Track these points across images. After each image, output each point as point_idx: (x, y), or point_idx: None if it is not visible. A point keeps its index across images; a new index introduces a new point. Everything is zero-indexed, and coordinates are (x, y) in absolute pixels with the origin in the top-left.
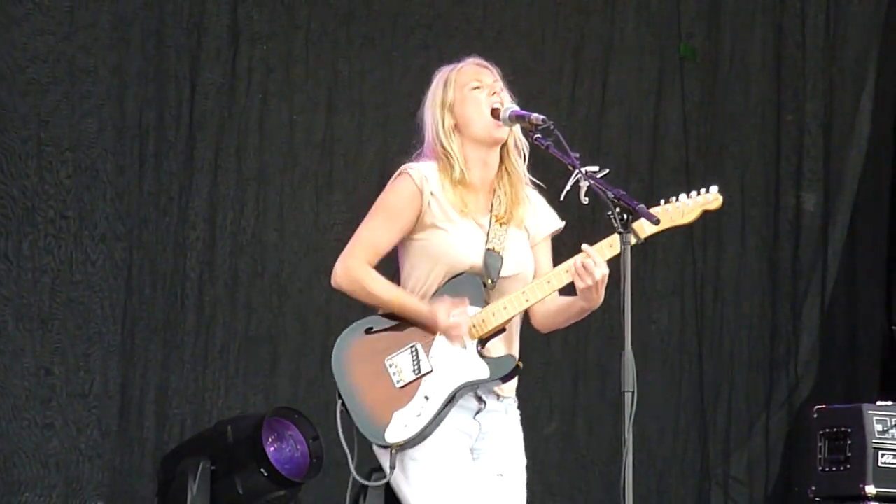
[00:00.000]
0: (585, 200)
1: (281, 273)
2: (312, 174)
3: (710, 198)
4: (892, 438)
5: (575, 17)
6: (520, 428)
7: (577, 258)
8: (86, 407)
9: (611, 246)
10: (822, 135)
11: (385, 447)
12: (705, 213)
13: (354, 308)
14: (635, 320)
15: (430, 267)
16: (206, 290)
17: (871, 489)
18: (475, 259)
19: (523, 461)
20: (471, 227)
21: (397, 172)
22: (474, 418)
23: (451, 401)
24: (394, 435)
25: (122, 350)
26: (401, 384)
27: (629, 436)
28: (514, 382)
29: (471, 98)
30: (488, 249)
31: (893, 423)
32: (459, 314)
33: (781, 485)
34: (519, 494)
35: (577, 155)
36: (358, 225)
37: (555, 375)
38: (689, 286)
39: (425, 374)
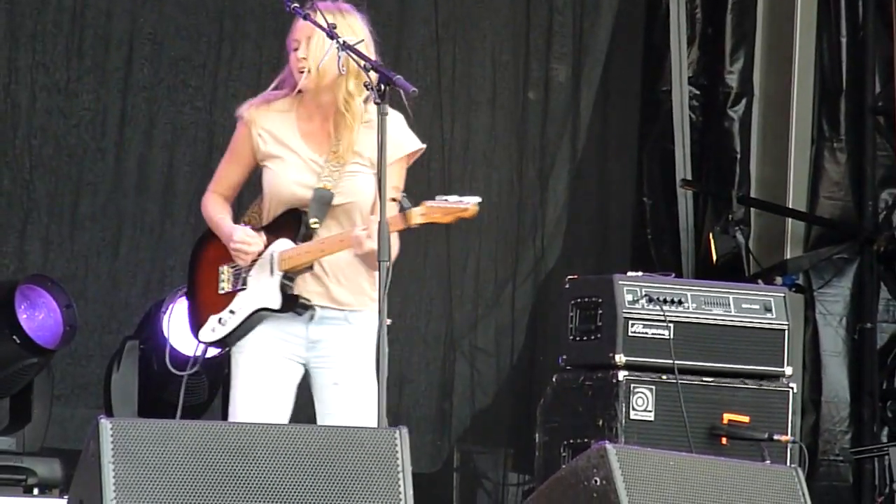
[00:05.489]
0: (343, 71)
1: (32, 139)
2: (63, 43)
3: (469, 204)
4: (643, 308)
5: None
6: (364, 337)
7: (357, 230)
8: None
9: (420, 215)
10: (571, 8)
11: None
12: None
13: (104, 175)
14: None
15: (268, 199)
16: None
17: (620, 358)
18: (302, 195)
19: (362, 370)
20: (302, 165)
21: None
22: (306, 325)
23: (249, 318)
24: (204, 335)
25: None
26: (222, 291)
27: (384, 306)
28: (368, 291)
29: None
30: (318, 188)
31: (643, 294)
32: (249, 238)
33: (526, 355)
34: (353, 404)
35: (335, 24)
36: None
37: None
38: (437, 158)
39: (240, 290)
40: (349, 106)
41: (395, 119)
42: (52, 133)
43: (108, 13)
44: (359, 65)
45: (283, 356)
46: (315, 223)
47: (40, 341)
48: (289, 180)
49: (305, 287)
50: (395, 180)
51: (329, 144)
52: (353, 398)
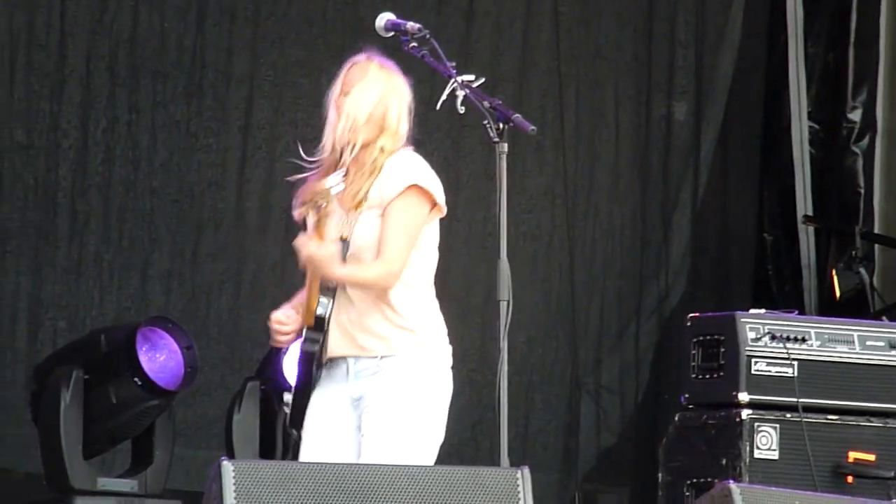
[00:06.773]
0: (462, 110)
1: (153, 178)
2: (183, 82)
3: None
4: (766, 346)
5: None
6: (394, 384)
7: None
8: None
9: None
10: (694, 45)
11: None
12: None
13: (225, 213)
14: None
15: None
16: (78, 197)
17: (743, 396)
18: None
19: (385, 418)
20: (336, 219)
21: None
22: (346, 383)
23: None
24: None
25: None
26: None
27: (504, 344)
28: (397, 339)
29: None
30: (340, 238)
31: (766, 331)
32: (282, 319)
33: (651, 393)
34: (370, 451)
35: (453, 64)
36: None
37: None
38: (561, 194)
39: None
40: (376, 159)
41: (393, 166)
42: (174, 172)
43: (228, 51)
44: (480, 106)
45: (324, 411)
46: None
47: (161, 383)
48: (328, 236)
49: (334, 341)
50: (392, 220)
51: (351, 194)
52: (369, 448)
